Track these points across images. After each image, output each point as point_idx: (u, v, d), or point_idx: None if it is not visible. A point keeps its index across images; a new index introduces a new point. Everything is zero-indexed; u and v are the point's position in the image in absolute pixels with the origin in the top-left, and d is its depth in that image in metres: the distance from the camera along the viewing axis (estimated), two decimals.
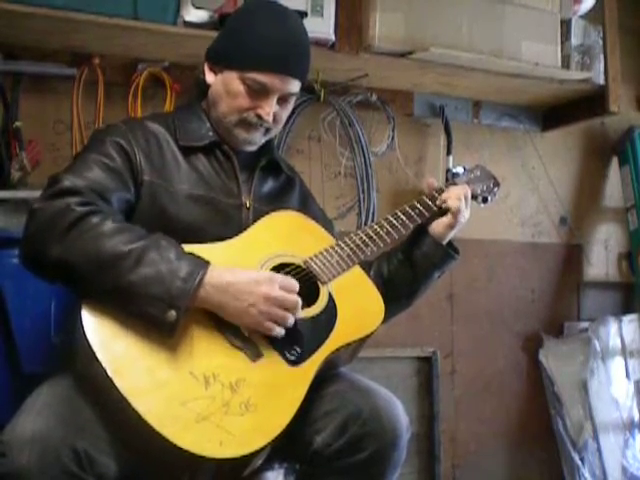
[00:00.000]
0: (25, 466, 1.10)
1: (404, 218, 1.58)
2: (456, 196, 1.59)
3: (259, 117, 1.49)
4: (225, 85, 1.49)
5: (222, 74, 1.51)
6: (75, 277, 1.25)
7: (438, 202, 1.60)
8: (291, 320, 1.31)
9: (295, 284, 1.33)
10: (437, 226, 1.60)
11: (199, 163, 1.50)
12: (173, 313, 1.21)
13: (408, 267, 1.61)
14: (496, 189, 1.76)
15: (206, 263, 1.28)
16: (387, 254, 1.66)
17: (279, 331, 1.31)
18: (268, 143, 1.61)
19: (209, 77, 1.53)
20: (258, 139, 1.54)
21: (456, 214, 1.58)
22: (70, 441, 1.14)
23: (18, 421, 1.16)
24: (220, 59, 1.52)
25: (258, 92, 1.47)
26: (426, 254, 1.60)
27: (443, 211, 1.60)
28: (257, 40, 1.46)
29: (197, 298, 1.26)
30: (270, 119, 1.49)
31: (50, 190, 1.31)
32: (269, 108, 1.48)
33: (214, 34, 1.63)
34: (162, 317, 1.21)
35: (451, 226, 1.59)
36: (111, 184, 1.37)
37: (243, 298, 1.28)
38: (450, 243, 1.63)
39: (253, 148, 1.56)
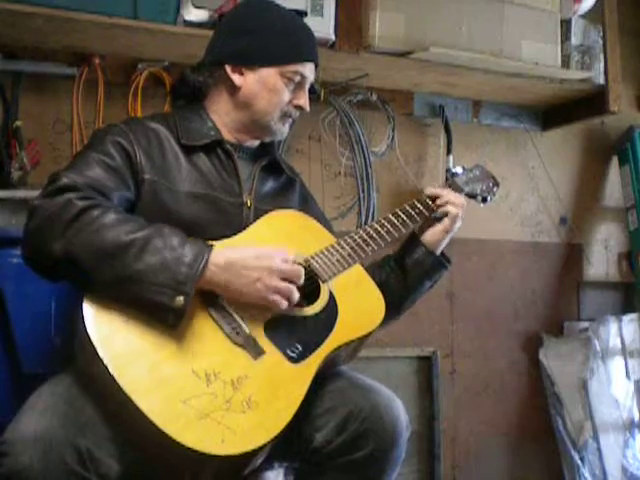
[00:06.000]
0: (28, 466, 1.11)
1: (404, 217, 1.58)
2: (458, 203, 1.60)
3: (299, 108, 1.56)
4: (264, 83, 1.53)
5: (255, 73, 1.53)
6: (79, 271, 1.25)
7: (438, 201, 1.61)
8: (296, 294, 1.34)
9: (289, 255, 1.36)
10: (432, 234, 1.61)
11: (200, 162, 1.50)
12: (181, 299, 1.22)
13: (400, 275, 1.62)
14: (495, 189, 1.77)
15: (209, 247, 1.29)
16: (380, 262, 1.66)
17: (285, 304, 1.32)
18: (269, 143, 1.63)
19: (237, 79, 1.53)
20: (287, 130, 1.61)
21: (453, 220, 1.59)
22: (72, 440, 1.14)
23: (20, 421, 1.15)
24: (251, 59, 1.53)
25: (296, 84, 1.54)
26: (418, 261, 1.61)
27: (439, 217, 1.60)
28: (286, 34, 1.54)
29: (203, 280, 1.27)
30: (308, 108, 1.57)
31: (50, 187, 1.31)
32: (306, 97, 1.57)
33: None
34: (170, 304, 1.22)
35: (447, 231, 1.60)
36: (111, 183, 1.37)
37: (248, 274, 1.30)
38: (442, 252, 1.64)
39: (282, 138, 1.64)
